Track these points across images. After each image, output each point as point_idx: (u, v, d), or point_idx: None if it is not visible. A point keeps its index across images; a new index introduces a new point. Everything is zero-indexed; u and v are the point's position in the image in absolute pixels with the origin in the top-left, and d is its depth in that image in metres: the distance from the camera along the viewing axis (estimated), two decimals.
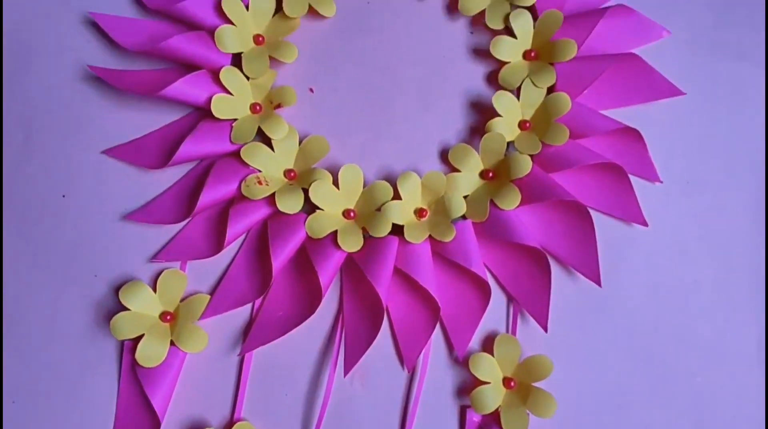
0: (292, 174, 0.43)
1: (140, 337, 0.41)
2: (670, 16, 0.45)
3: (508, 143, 0.43)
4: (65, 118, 0.44)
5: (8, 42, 0.45)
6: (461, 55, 0.45)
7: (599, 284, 0.41)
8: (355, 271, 0.42)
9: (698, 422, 0.42)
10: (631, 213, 0.43)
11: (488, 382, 0.41)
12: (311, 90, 0.45)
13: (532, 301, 0.42)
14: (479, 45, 0.45)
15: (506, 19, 0.44)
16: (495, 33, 0.45)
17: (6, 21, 0.45)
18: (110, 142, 0.44)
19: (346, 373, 0.40)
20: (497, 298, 0.43)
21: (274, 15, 0.44)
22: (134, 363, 0.41)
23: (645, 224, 0.43)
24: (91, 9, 0.45)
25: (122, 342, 0.42)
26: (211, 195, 0.41)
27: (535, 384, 0.41)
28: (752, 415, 0.42)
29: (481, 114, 0.44)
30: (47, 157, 0.44)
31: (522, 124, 0.43)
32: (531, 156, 0.42)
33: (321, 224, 0.41)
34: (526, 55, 0.44)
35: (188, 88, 0.42)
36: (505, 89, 0.44)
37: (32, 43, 0.45)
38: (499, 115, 0.43)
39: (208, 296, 0.42)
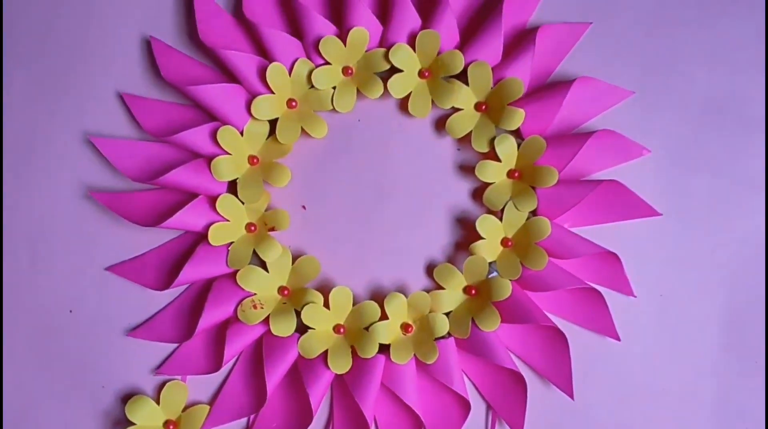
0: (286, 292, 0.45)
1: None
2: (650, 132, 0.46)
3: (491, 262, 0.45)
4: (69, 236, 0.47)
5: (11, 160, 0.47)
6: (448, 172, 0.47)
7: (572, 397, 0.44)
8: (344, 386, 0.45)
9: None
10: (604, 327, 0.46)
11: None
12: (304, 207, 0.47)
13: (508, 410, 0.45)
14: (466, 162, 0.47)
15: (491, 142, 0.45)
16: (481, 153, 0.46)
17: (7, 139, 0.47)
18: (113, 259, 0.46)
19: None
20: (477, 404, 0.46)
21: (267, 137, 0.46)
22: None
23: (617, 339, 0.45)
24: (89, 127, 0.47)
25: None
26: (210, 319, 0.44)
27: None
28: None
29: (466, 230, 0.47)
30: (53, 274, 0.47)
31: (504, 242, 0.46)
32: None
33: (312, 345, 0.44)
34: (510, 174, 0.46)
35: (186, 217, 0.44)
36: (489, 209, 0.46)
37: (34, 162, 0.47)
38: (482, 238, 0.45)
39: (208, 407, 0.45)
